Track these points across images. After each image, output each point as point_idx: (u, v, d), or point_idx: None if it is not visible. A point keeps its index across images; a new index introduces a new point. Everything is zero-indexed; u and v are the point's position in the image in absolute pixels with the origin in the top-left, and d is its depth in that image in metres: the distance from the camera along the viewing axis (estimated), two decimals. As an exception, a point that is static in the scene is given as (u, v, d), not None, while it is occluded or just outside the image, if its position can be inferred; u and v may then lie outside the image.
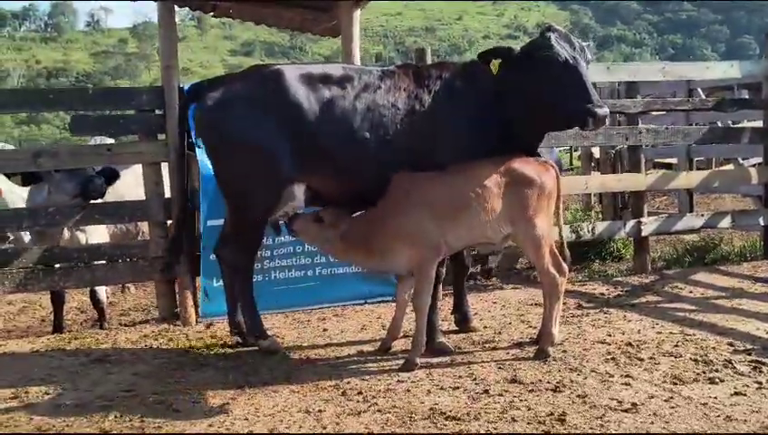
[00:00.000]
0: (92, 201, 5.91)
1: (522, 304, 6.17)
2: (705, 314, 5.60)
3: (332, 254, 5.01)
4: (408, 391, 4.15)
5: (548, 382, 4.19)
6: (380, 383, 4.28)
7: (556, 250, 4.74)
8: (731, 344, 4.81)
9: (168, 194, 5.91)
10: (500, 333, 5.30)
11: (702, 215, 7.62)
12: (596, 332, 5.22)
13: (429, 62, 6.41)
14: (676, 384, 4.12)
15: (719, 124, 9.08)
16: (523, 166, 4.58)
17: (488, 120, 4.74)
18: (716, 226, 7.58)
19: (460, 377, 4.35)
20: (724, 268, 7.29)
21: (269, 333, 5.19)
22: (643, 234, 7.16)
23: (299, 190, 4.84)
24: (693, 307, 5.82)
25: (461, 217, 4.52)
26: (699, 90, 9.65)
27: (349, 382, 4.31)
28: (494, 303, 6.27)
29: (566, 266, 4.76)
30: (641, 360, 4.55)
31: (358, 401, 4.00)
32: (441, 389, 4.16)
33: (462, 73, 4.91)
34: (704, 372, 4.29)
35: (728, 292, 6.29)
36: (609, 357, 4.62)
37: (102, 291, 6.69)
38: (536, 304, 5.97)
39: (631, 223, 7.14)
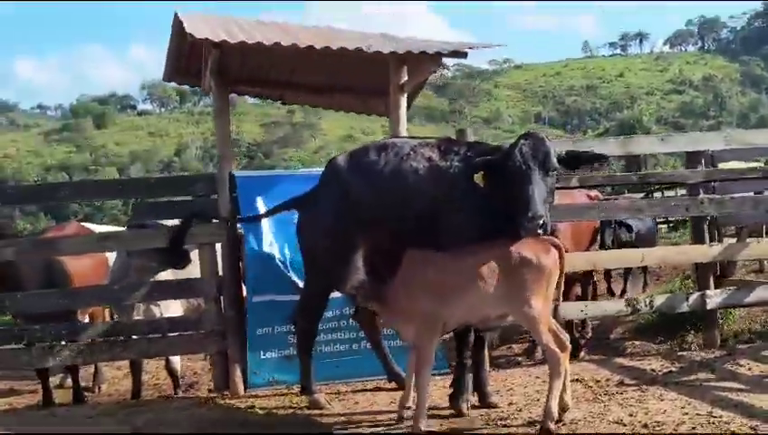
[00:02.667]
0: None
1: (563, 380, 6.08)
2: (750, 394, 5.29)
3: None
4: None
5: (536, 462, 4.19)
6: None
7: (556, 327, 4.76)
8: (753, 428, 4.54)
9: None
10: (521, 410, 5.29)
11: (775, 287, 7.14)
12: (619, 411, 5.09)
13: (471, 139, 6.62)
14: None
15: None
16: (522, 248, 4.65)
17: (485, 202, 4.93)
18: (792, 298, 7.06)
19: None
20: (810, 345, 6.80)
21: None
22: (708, 307, 6.83)
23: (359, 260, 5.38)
24: (741, 386, 5.52)
25: (460, 297, 4.67)
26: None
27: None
28: (537, 377, 6.22)
29: (568, 343, 4.76)
30: (647, 442, 4.43)
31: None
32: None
33: (486, 153, 5.10)
34: (702, 457, 4.12)
35: (793, 371, 5.90)
36: (614, 439, 4.53)
37: (177, 360, 7.19)
38: (576, 380, 5.86)
39: (695, 296, 6.82)
